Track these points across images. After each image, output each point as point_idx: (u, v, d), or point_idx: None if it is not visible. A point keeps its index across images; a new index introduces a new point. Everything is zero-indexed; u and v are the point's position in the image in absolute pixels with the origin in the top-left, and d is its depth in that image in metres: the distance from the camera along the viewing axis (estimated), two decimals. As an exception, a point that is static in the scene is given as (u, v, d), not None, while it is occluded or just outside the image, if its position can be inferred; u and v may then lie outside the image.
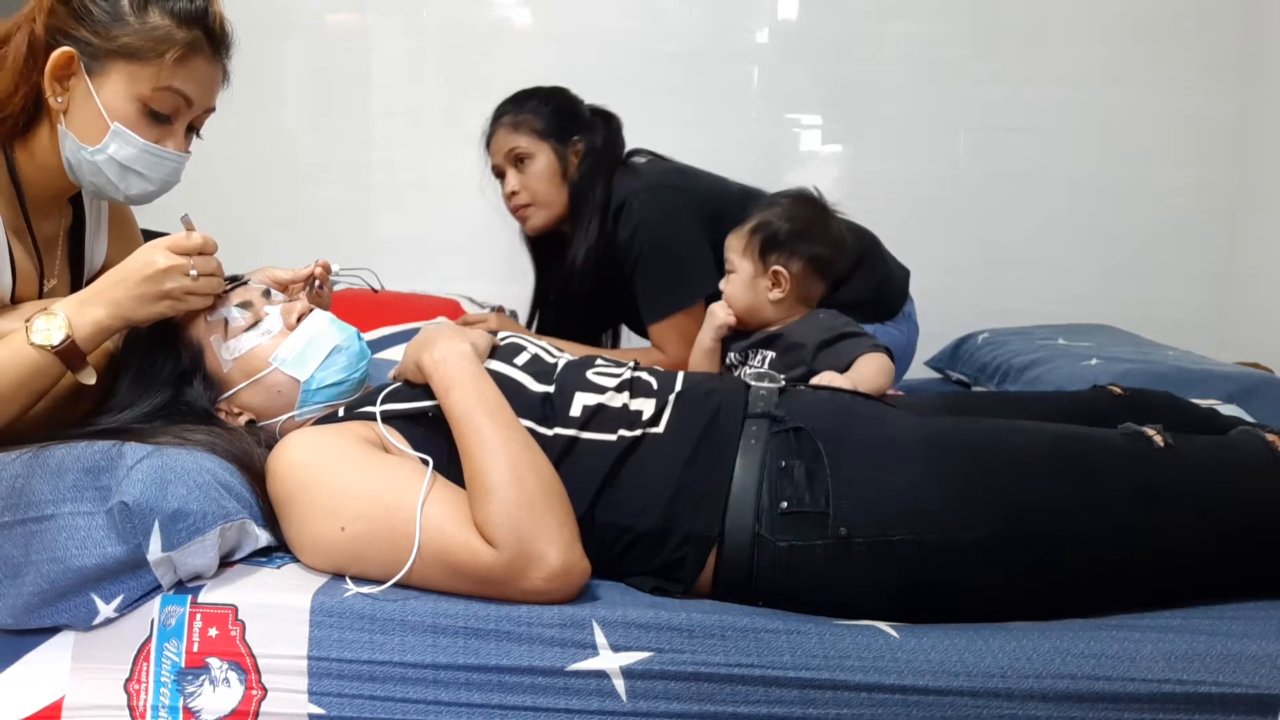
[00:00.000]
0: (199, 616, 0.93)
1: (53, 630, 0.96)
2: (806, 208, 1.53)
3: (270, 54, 2.50)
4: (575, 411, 1.06)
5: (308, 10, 2.55)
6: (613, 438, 1.04)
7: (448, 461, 1.01)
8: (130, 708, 0.92)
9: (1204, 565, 0.98)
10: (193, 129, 1.22)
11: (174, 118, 1.17)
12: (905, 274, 1.99)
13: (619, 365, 1.16)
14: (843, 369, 1.35)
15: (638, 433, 1.04)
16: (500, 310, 2.39)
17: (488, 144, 1.95)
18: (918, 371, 2.26)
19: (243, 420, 1.14)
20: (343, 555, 0.96)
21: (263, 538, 1.02)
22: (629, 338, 2.15)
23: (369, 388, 1.21)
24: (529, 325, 2.12)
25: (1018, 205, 2.52)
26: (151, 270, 1.06)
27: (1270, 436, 1.02)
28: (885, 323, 1.89)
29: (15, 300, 1.18)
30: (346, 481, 0.98)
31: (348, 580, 0.96)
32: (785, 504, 0.98)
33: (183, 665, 0.92)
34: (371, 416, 1.06)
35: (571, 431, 1.04)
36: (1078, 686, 0.86)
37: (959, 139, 2.53)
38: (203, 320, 1.13)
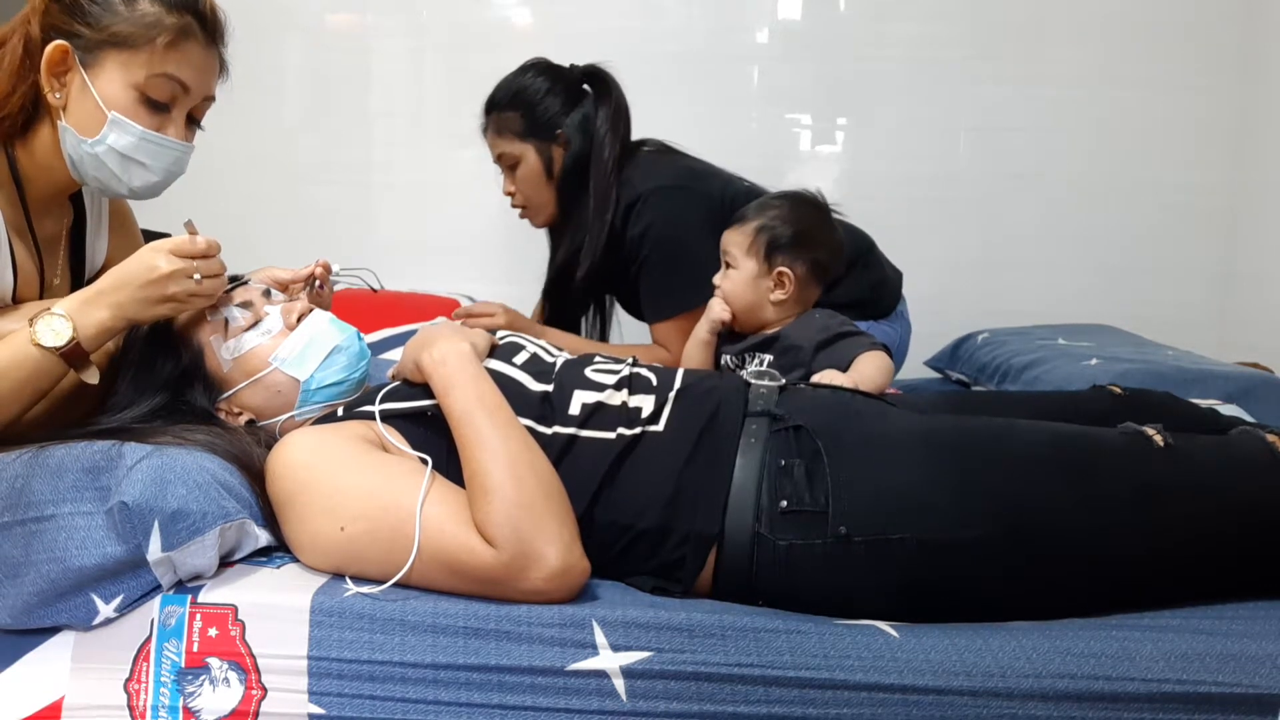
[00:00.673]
0: (199, 616, 0.93)
1: (53, 630, 0.96)
2: (811, 210, 1.53)
3: (270, 54, 2.50)
4: (574, 410, 1.06)
5: (308, 10, 2.55)
6: (612, 436, 1.04)
7: (447, 461, 1.01)
8: (130, 708, 0.92)
9: (1204, 565, 0.98)
10: (194, 121, 1.22)
11: (172, 105, 1.17)
12: (899, 276, 1.99)
13: (618, 362, 1.16)
14: (843, 369, 1.35)
15: (637, 431, 1.04)
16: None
17: (485, 137, 1.93)
18: (918, 371, 2.27)
19: (242, 420, 1.14)
20: (342, 555, 0.96)
21: (262, 538, 1.02)
22: (619, 333, 2.14)
23: (368, 388, 1.21)
24: (546, 307, 2.09)
25: (1018, 205, 2.52)
26: (155, 275, 1.06)
27: (1270, 437, 1.02)
28: (879, 320, 1.89)
29: (16, 300, 1.18)
30: (346, 481, 0.98)
31: (347, 580, 0.96)
32: (785, 503, 0.98)
33: (183, 665, 0.92)
34: (371, 416, 1.06)
35: (571, 430, 1.04)
36: (1077, 686, 0.86)
37: (959, 139, 2.53)
38: (203, 320, 1.13)
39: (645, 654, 0.89)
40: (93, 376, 1.08)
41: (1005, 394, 1.71)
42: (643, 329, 1.95)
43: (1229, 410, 1.41)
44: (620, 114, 1.87)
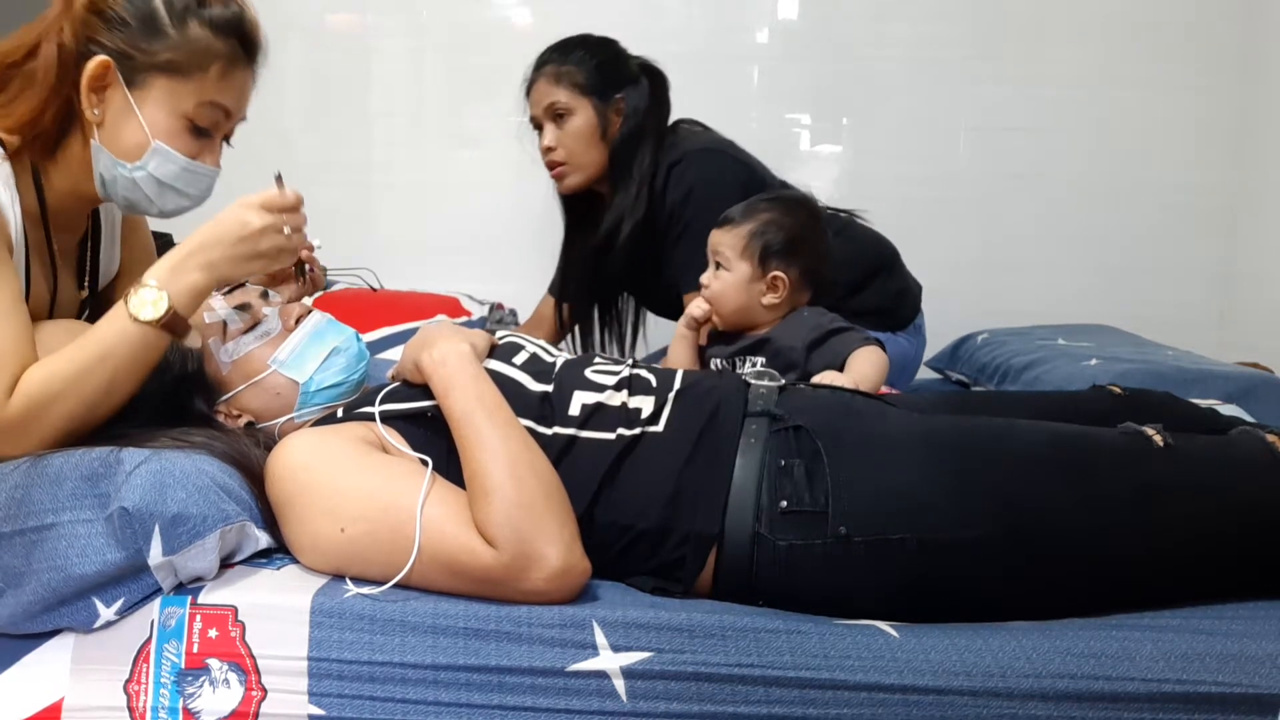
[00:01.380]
0: (199, 618, 0.93)
1: (53, 632, 0.96)
2: (805, 214, 1.52)
3: (270, 54, 2.50)
4: (574, 410, 1.06)
5: (308, 10, 2.55)
6: (611, 436, 1.04)
7: (447, 462, 1.01)
8: (130, 709, 0.92)
9: (1204, 565, 0.98)
10: (224, 138, 1.20)
11: (213, 131, 1.15)
12: (919, 288, 1.97)
13: (617, 363, 1.16)
14: (838, 366, 1.35)
15: (637, 431, 1.04)
16: (499, 307, 2.39)
17: (528, 92, 1.88)
18: (918, 372, 2.26)
19: (242, 422, 1.14)
20: (342, 556, 0.96)
21: (263, 539, 1.02)
22: (644, 343, 2.14)
23: (367, 388, 1.21)
24: (558, 289, 2.07)
25: (1018, 205, 2.52)
26: (248, 230, 1.05)
27: (1270, 437, 1.02)
28: (897, 333, 1.86)
29: None
30: (346, 482, 0.97)
31: (347, 581, 0.96)
32: (785, 503, 0.98)
33: (183, 666, 0.92)
34: (370, 417, 1.06)
35: (570, 430, 1.04)
36: (1077, 686, 0.86)
37: (959, 139, 2.53)
38: (201, 322, 1.13)
39: (645, 654, 0.89)
40: (195, 341, 1.08)
41: (1005, 394, 1.71)
42: (665, 333, 1.93)
43: (1229, 410, 1.42)
44: (667, 113, 1.88)
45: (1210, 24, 2.44)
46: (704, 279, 1.52)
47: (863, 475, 0.99)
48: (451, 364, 1.05)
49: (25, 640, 0.96)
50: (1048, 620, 0.94)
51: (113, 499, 0.94)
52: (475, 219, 2.59)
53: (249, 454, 1.06)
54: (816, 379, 1.32)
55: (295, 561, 1.01)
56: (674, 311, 1.85)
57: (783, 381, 1.16)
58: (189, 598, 0.95)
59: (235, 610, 0.93)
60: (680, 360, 1.53)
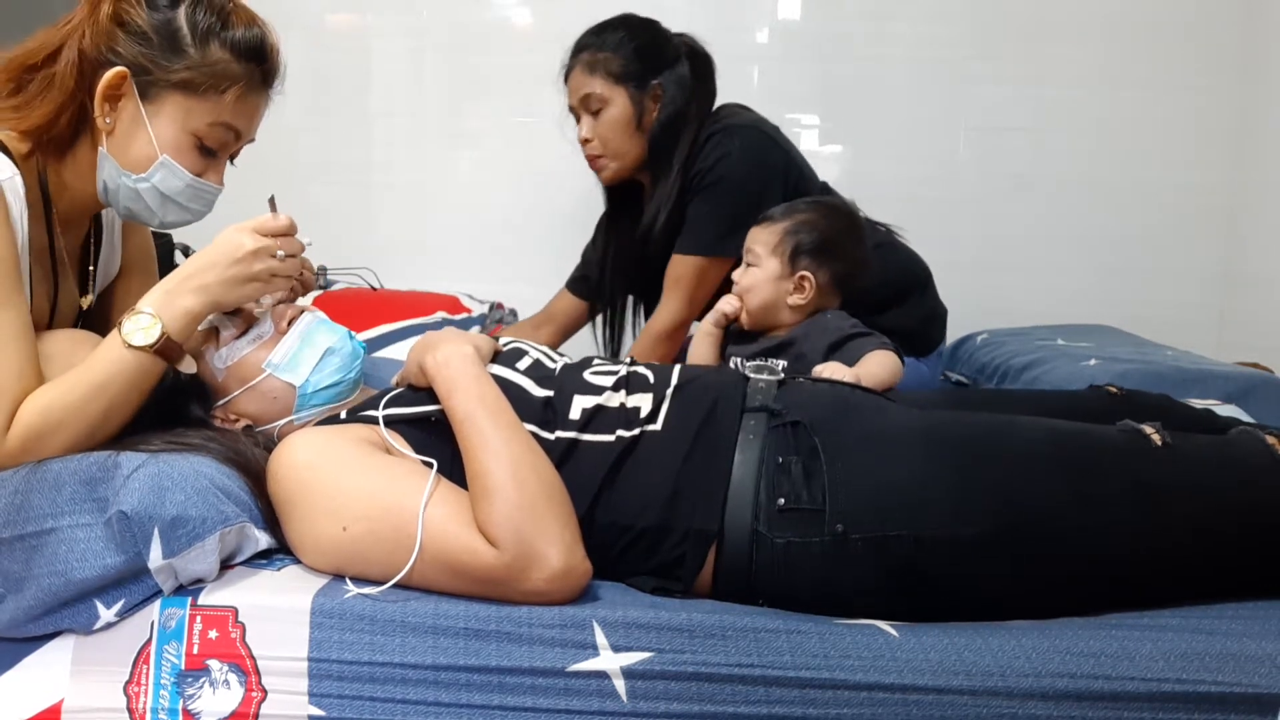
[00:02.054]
0: (199, 619, 0.93)
1: (53, 633, 0.96)
2: (842, 220, 1.51)
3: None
4: (575, 414, 1.06)
5: (308, 10, 2.55)
6: (611, 438, 1.04)
7: (450, 466, 1.01)
8: (130, 710, 0.92)
9: (1202, 565, 0.98)
10: (231, 157, 1.21)
11: (221, 151, 1.16)
12: (945, 313, 1.93)
13: (615, 363, 1.16)
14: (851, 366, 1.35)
15: (635, 431, 1.04)
16: (499, 306, 2.39)
17: (565, 79, 1.83)
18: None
19: (239, 426, 1.14)
20: (344, 556, 0.96)
21: (263, 540, 1.02)
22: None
23: (367, 389, 1.21)
24: (594, 284, 2.02)
25: (1018, 205, 2.52)
26: (242, 253, 1.06)
27: (1270, 438, 1.01)
28: (919, 359, 1.82)
29: None
30: (348, 482, 0.97)
31: (348, 581, 0.96)
32: (783, 500, 0.98)
33: (183, 667, 0.92)
34: (374, 420, 1.06)
35: (572, 434, 1.04)
36: (1077, 685, 0.86)
37: (959, 139, 2.53)
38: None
39: (646, 654, 0.89)
40: (189, 366, 1.08)
41: (1002, 392, 1.71)
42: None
43: (1227, 410, 1.41)
44: (711, 97, 1.82)
45: (1210, 24, 2.44)
46: (736, 274, 1.52)
47: (860, 472, 0.99)
48: (455, 366, 1.05)
49: (25, 642, 0.96)
50: (1047, 619, 0.94)
51: (111, 503, 0.94)
52: (475, 219, 2.59)
53: (248, 454, 1.06)
54: (818, 369, 1.31)
55: (295, 562, 1.01)
56: None
57: (781, 376, 1.16)
58: (189, 599, 0.95)
59: (235, 611, 0.93)
60: (702, 359, 1.53)
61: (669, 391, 1.09)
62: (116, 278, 1.35)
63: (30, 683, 0.95)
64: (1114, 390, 1.26)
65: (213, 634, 0.93)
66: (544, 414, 1.06)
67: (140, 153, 1.11)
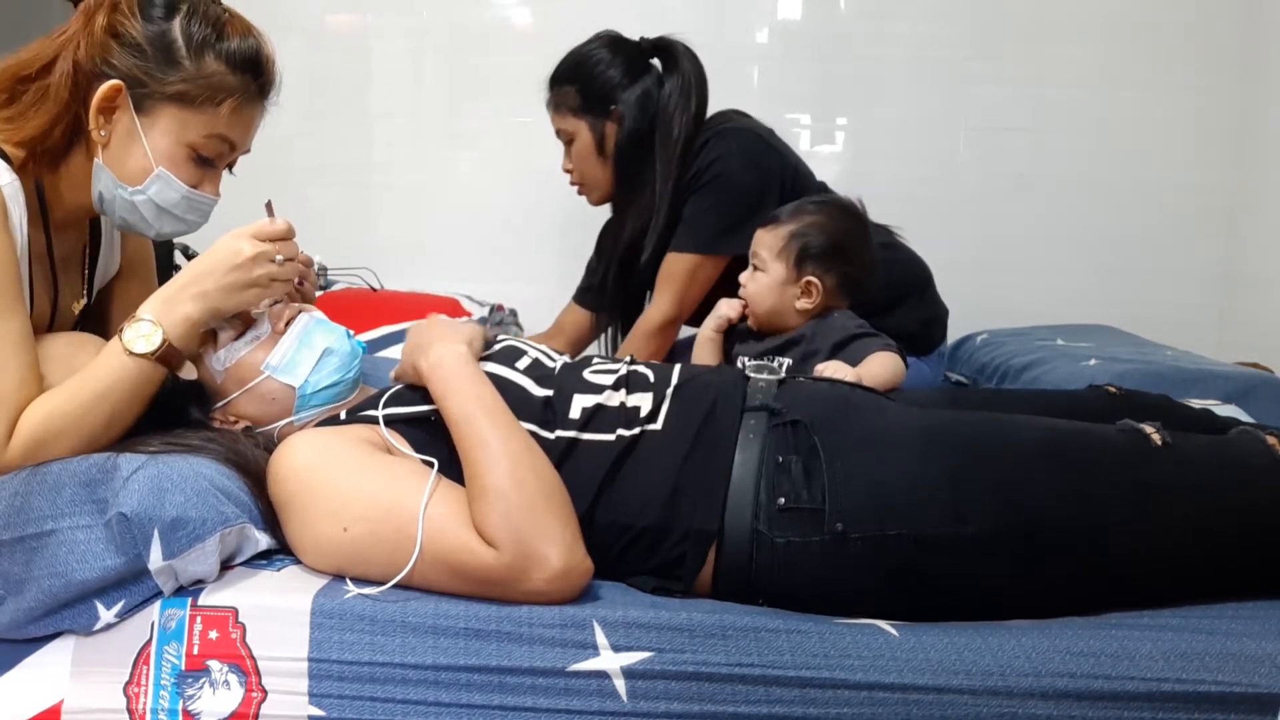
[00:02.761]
0: (199, 619, 0.93)
1: (53, 634, 0.96)
2: (849, 222, 1.49)
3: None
4: (574, 414, 1.06)
5: (307, 11, 2.55)
6: (611, 437, 1.04)
7: (449, 464, 1.01)
8: (130, 710, 0.92)
9: (1202, 565, 0.98)
10: (227, 166, 1.20)
11: (217, 162, 1.16)
12: (946, 314, 1.94)
13: (615, 362, 1.16)
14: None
15: (636, 431, 1.04)
16: (499, 308, 2.38)
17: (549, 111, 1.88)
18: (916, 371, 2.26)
19: (239, 428, 1.13)
20: (344, 556, 0.96)
21: (263, 541, 1.02)
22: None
23: (366, 388, 1.20)
24: (594, 297, 2.03)
25: (1017, 205, 2.52)
26: (240, 259, 1.06)
27: (1270, 439, 1.01)
28: (920, 358, 1.83)
29: None
30: (349, 483, 0.97)
31: (348, 582, 0.96)
32: (783, 500, 0.98)
33: (183, 668, 0.92)
34: (375, 420, 1.06)
35: (572, 433, 1.04)
36: (1077, 685, 0.86)
37: (959, 139, 2.53)
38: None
39: (646, 654, 0.89)
40: (190, 373, 1.09)
41: (1001, 392, 1.71)
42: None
43: (1226, 410, 1.41)
44: (691, 87, 1.80)
45: (1210, 24, 2.44)
46: (742, 278, 1.51)
47: (860, 471, 0.99)
48: (449, 366, 1.05)
49: (25, 643, 0.96)
50: (1047, 619, 0.94)
51: (111, 504, 0.94)
52: (475, 219, 2.59)
53: (247, 455, 1.06)
54: (819, 368, 1.31)
55: (296, 562, 1.01)
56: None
57: (782, 374, 1.16)
58: (189, 600, 0.95)
59: (236, 612, 0.93)
60: (704, 364, 1.52)
61: (669, 391, 1.09)
62: (115, 278, 1.35)
63: (30, 683, 0.95)
64: (1113, 390, 1.26)
65: (213, 634, 0.93)
66: (544, 413, 1.06)
67: (136, 165, 1.11)
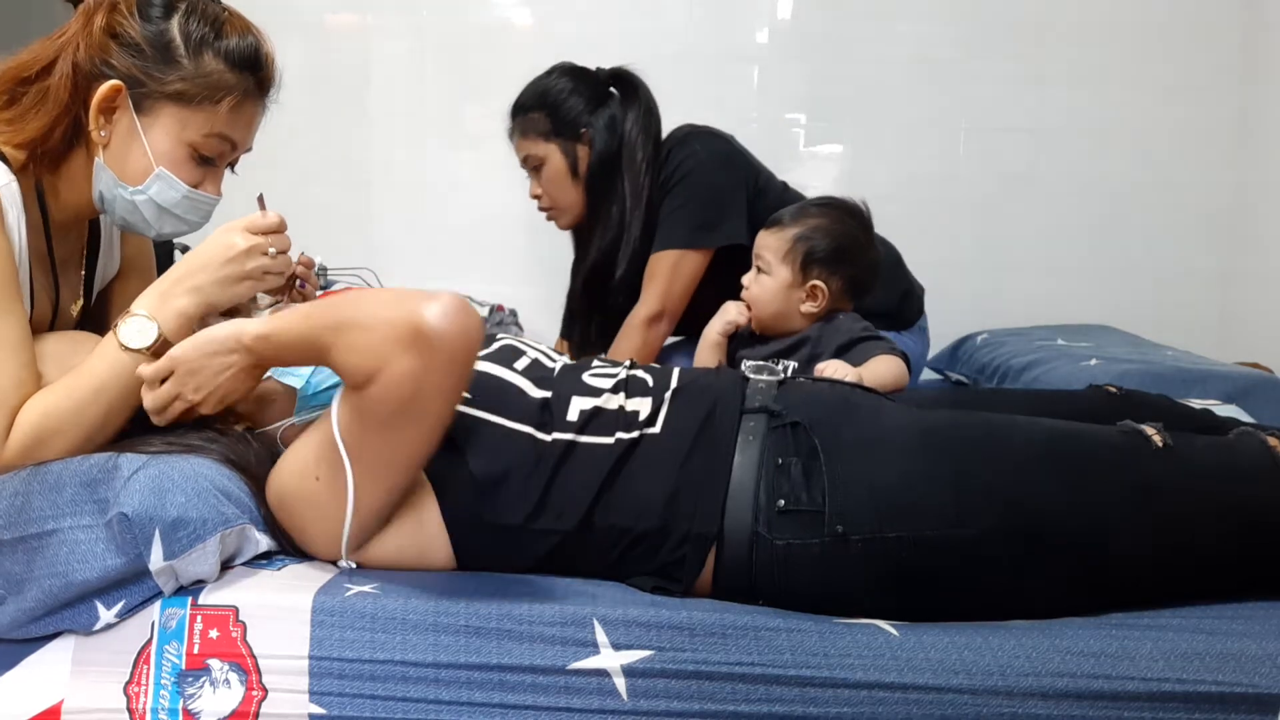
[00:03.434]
0: (199, 618, 0.93)
1: (53, 634, 0.96)
2: (854, 224, 1.49)
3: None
4: (573, 416, 1.06)
5: (308, 10, 2.55)
6: (610, 441, 1.03)
7: (447, 458, 1.01)
8: (130, 710, 0.92)
9: (1201, 565, 0.98)
10: (229, 165, 1.20)
11: (218, 161, 1.16)
12: (922, 290, 1.98)
13: (614, 365, 1.16)
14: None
15: (635, 435, 1.04)
16: (500, 309, 2.39)
17: (511, 139, 1.91)
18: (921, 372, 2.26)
19: (239, 429, 1.13)
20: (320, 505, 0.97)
21: (263, 542, 1.01)
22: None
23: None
24: (565, 325, 2.06)
25: (1018, 205, 2.52)
26: (234, 252, 1.05)
27: (1270, 439, 1.01)
28: (902, 332, 1.87)
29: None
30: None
31: (348, 581, 0.96)
32: (783, 502, 0.98)
33: (183, 667, 0.92)
34: None
35: (570, 436, 1.04)
36: (1077, 685, 0.86)
37: (959, 139, 2.53)
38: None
39: (646, 653, 0.89)
40: None
41: (1000, 392, 1.71)
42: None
43: (1226, 410, 1.41)
44: (650, 115, 1.86)
45: (1210, 24, 2.44)
46: (745, 280, 1.52)
47: (859, 473, 0.98)
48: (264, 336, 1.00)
49: (25, 643, 0.96)
50: (1047, 619, 0.95)
51: (112, 504, 0.93)
52: (475, 219, 2.59)
53: (248, 456, 1.06)
54: (819, 367, 1.31)
55: (296, 561, 1.01)
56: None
57: (781, 376, 1.16)
58: (189, 599, 0.95)
59: (236, 610, 0.93)
60: (707, 365, 1.52)
61: (668, 394, 1.09)
62: (115, 279, 1.35)
63: (30, 683, 0.94)
64: (1113, 390, 1.26)
65: (213, 633, 0.93)
66: (541, 415, 1.06)
67: (136, 165, 1.11)
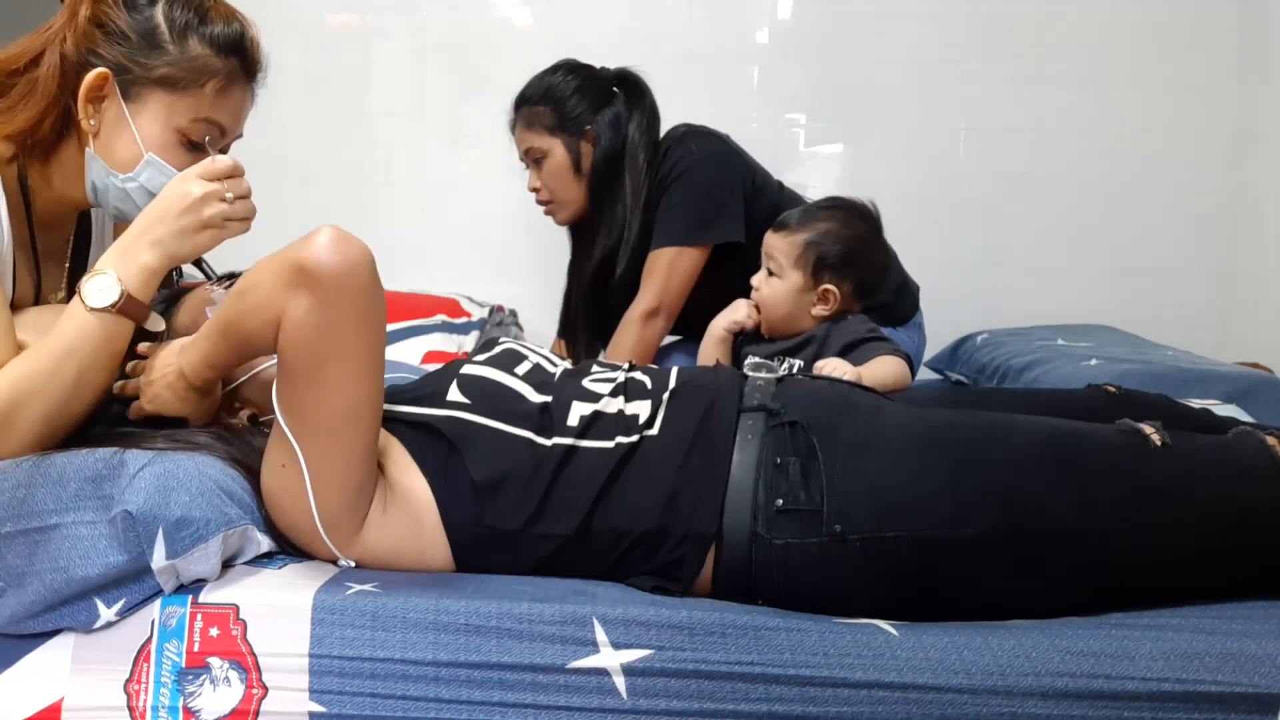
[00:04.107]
0: (200, 616, 0.93)
1: (53, 631, 0.96)
2: (864, 227, 1.49)
3: (270, 54, 2.50)
4: (573, 421, 1.05)
5: (308, 10, 2.55)
6: (610, 445, 1.03)
7: (447, 460, 1.01)
8: (130, 708, 0.92)
9: (1201, 565, 0.98)
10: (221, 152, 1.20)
11: (208, 148, 1.16)
12: (917, 287, 1.99)
13: (614, 369, 1.16)
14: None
15: (634, 439, 1.04)
16: (500, 310, 2.38)
17: (512, 132, 1.92)
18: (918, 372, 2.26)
19: (244, 415, 1.13)
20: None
21: (264, 543, 1.02)
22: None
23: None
24: (562, 325, 2.07)
25: (1018, 205, 2.52)
26: (189, 200, 1.04)
27: (1270, 439, 1.01)
28: (898, 327, 1.88)
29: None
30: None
31: (348, 580, 0.96)
32: (781, 501, 0.98)
33: (183, 665, 0.92)
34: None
35: (570, 440, 1.04)
36: (1077, 685, 0.86)
37: (959, 139, 2.53)
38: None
39: (646, 652, 0.89)
40: (157, 324, 1.07)
41: (999, 391, 1.71)
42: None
43: (1226, 410, 1.41)
44: (654, 118, 1.88)
45: (1210, 24, 2.44)
46: (755, 281, 1.52)
47: (858, 473, 0.98)
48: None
49: (25, 640, 0.96)
50: (1047, 618, 0.95)
51: (116, 502, 0.93)
52: (475, 219, 2.59)
53: (253, 454, 1.06)
54: (819, 365, 1.31)
55: (296, 561, 1.02)
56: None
57: (779, 374, 1.16)
58: (190, 597, 0.95)
59: (236, 609, 0.93)
60: (711, 362, 1.52)
61: (666, 396, 1.09)
62: None
63: (30, 681, 0.94)
64: (1112, 389, 1.26)
65: (213, 631, 0.93)
66: (541, 420, 1.05)
67: (126, 152, 1.12)
